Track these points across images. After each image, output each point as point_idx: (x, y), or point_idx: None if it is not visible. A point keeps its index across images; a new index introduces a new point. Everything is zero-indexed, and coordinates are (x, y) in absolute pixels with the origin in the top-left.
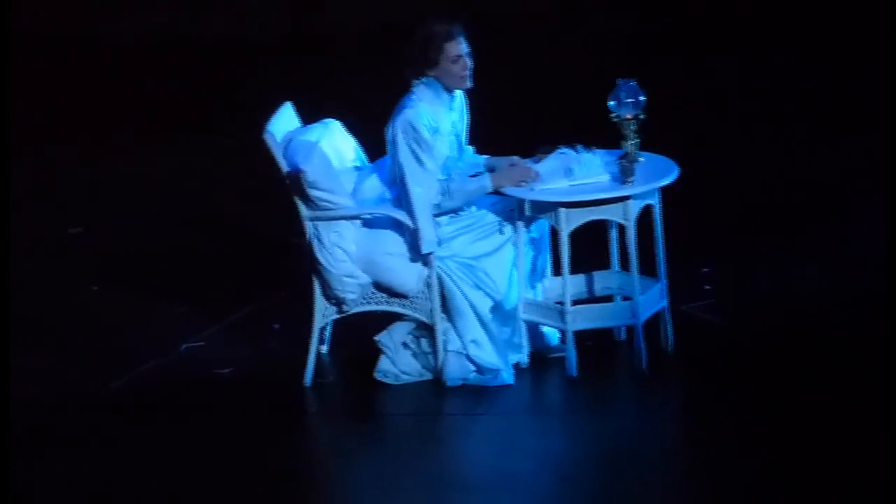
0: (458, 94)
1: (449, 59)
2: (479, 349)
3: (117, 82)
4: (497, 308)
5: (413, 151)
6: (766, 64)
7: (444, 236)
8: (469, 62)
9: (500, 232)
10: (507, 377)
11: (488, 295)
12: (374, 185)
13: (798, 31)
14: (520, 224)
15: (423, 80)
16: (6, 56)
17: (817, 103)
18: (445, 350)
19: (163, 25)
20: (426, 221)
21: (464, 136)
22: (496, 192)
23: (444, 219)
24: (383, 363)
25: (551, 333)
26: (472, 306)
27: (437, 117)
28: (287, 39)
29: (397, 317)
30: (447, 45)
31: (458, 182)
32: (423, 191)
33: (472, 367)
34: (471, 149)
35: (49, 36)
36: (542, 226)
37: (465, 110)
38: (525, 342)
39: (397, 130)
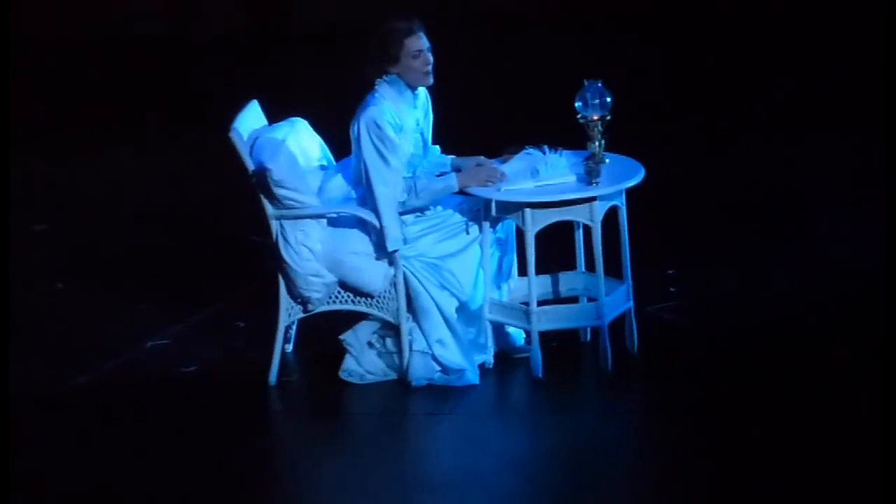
0: (422, 91)
1: (410, 54)
2: (444, 349)
3: (82, 80)
4: (462, 308)
5: (377, 149)
6: (732, 65)
7: (410, 236)
8: (429, 57)
9: (466, 232)
10: (472, 377)
11: (454, 295)
12: (339, 184)
13: (768, 32)
14: (486, 224)
15: (386, 78)
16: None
17: (785, 104)
18: (410, 350)
19: (129, 24)
20: (391, 219)
21: (429, 134)
22: (462, 192)
23: (409, 218)
24: (348, 362)
25: (517, 334)
26: (438, 306)
27: (400, 115)
28: (254, 37)
29: (362, 316)
30: (407, 40)
31: (425, 181)
32: (388, 189)
33: (437, 367)
34: (437, 148)
35: (15, 36)
36: (508, 226)
37: (429, 108)
38: (490, 342)
39: (361, 128)
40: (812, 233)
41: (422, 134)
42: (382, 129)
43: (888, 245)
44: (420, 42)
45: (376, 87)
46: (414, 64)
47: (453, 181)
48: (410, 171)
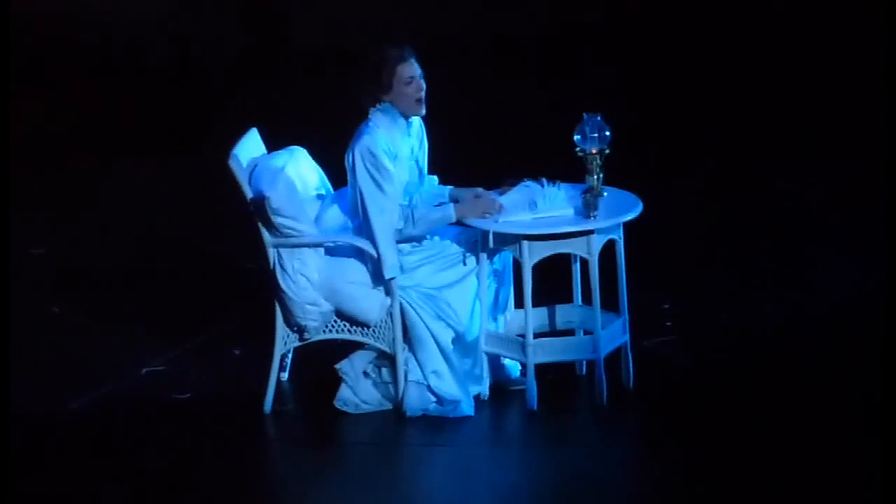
0: (416, 120)
1: (402, 81)
2: (439, 380)
3: (81, 105)
4: (458, 339)
5: (373, 177)
6: (727, 100)
7: (407, 266)
8: (422, 84)
9: (464, 263)
10: (468, 408)
11: (450, 326)
12: (335, 214)
13: (765, 67)
14: (483, 255)
15: (379, 106)
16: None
17: (780, 139)
18: (406, 380)
19: (128, 48)
20: (388, 247)
21: (424, 162)
22: (460, 223)
23: (406, 247)
24: (343, 392)
25: (512, 366)
26: (434, 337)
27: (395, 143)
28: (253, 63)
29: (358, 345)
30: (399, 67)
31: (422, 210)
32: (385, 217)
33: (433, 398)
34: (434, 178)
35: (15, 58)
36: (506, 258)
37: (423, 137)
38: (486, 374)
39: (356, 157)
40: (808, 265)
41: (417, 162)
42: (377, 157)
43: (888, 276)
44: (412, 69)
45: (370, 115)
46: (406, 90)
47: (451, 211)
48: (407, 199)
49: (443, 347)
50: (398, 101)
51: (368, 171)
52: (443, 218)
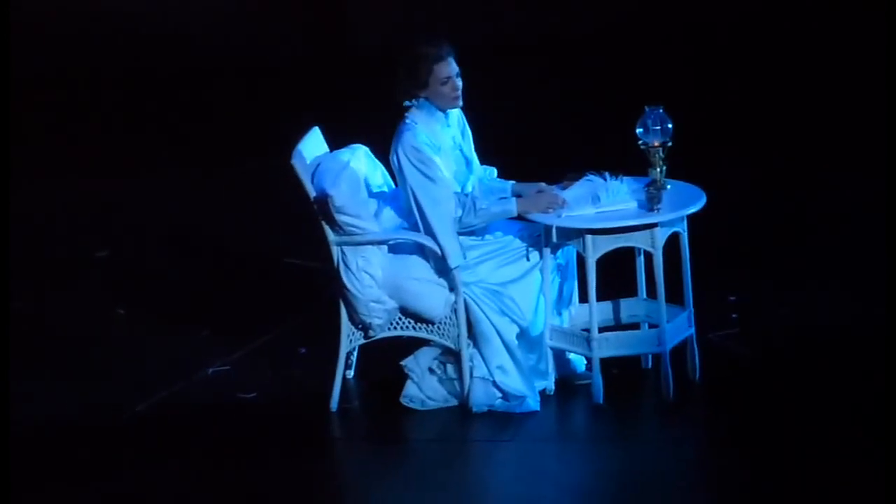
0: (455, 110)
1: (439, 80)
2: (504, 375)
3: (145, 109)
4: (523, 335)
5: (421, 171)
6: (792, 90)
7: (470, 261)
8: (458, 83)
9: (527, 258)
10: (533, 404)
11: (514, 321)
12: (391, 214)
13: (828, 56)
14: (546, 250)
15: (416, 102)
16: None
17: (845, 131)
18: (471, 376)
19: (183, 50)
20: (448, 236)
21: (470, 150)
22: (522, 218)
23: (467, 240)
24: (409, 388)
25: (578, 360)
26: (499, 332)
27: (436, 136)
28: (315, 63)
29: (423, 342)
30: (436, 66)
31: (485, 202)
32: (441, 207)
33: (498, 394)
34: (494, 170)
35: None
36: (569, 252)
37: (465, 126)
38: (551, 369)
39: (401, 157)
40: (878, 260)
41: (462, 151)
42: (421, 150)
43: None
44: (449, 68)
45: (407, 113)
46: (443, 90)
47: (513, 206)
48: (460, 188)
49: (507, 343)
50: (434, 98)
51: (415, 167)
52: (504, 211)
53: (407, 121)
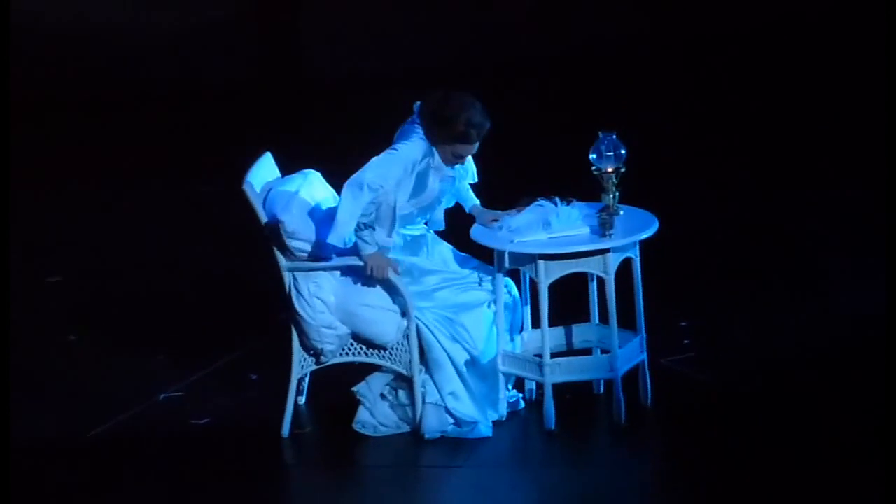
0: None
1: (454, 153)
2: (457, 401)
3: (93, 132)
4: (474, 363)
5: (389, 153)
6: (743, 117)
7: (425, 289)
8: (469, 158)
9: (479, 285)
10: (486, 430)
11: (465, 349)
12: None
13: (779, 84)
14: (499, 276)
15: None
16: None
17: (797, 156)
18: (423, 402)
19: (140, 74)
20: (349, 210)
21: (464, 169)
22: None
23: (427, 264)
24: (361, 414)
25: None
26: (451, 358)
27: (426, 168)
28: (265, 88)
29: (375, 368)
30: (460, 144)
31: (367, 234)
32: (372, 173)
33: (451, 420)
34: (478, 201)
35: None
36: (512, 286)
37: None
38: (503, 395)
39: (397, 139)
40: (826, 284)
41: (453, 177)
42: (404, 154)
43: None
44: (470, 149)
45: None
46: (451, 158)
47: (366, 252)
48: (441, 203)
49: (459, 369)
50: (440, 152)
51: (393, 148)
52: (361, 250)
53: (419, 135)
